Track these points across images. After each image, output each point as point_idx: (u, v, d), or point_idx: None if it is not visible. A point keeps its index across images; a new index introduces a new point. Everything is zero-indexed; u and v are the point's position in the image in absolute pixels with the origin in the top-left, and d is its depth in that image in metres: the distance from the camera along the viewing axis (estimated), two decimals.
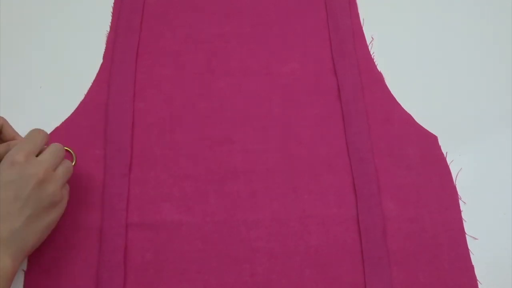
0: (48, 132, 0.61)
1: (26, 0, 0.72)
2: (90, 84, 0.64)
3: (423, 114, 0.62)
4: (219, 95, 0.64)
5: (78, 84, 0.64)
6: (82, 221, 0.56)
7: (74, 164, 0.59)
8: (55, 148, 0.52)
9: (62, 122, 0.62)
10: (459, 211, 0.57)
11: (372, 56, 0.66)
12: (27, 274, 0.54)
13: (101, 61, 0.66)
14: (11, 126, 0.56)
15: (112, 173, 0.58)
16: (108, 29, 0.68)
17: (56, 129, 0.61)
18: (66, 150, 0.59)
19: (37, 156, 0.51)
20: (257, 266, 0.55)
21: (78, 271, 0.54)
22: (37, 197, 0.48)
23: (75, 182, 0.57)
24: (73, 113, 0.62)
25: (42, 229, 0.50)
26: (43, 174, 0.49)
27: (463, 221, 0.56)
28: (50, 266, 0.54)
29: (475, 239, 0.56)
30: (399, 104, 0.63)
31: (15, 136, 0.55)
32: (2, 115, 0.56)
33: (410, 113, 0.62)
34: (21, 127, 0.59)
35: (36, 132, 0.53)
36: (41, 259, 0.55)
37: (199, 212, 0.57)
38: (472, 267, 0.54)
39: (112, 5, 0.70)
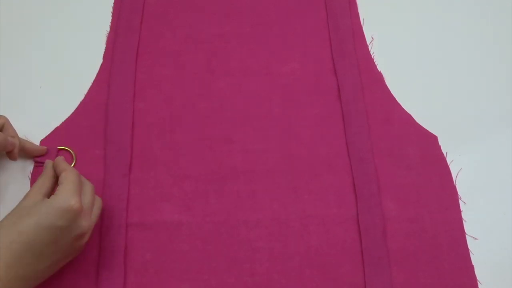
0: (48, 132, 0.61)
1: (26, 0, 0.72)
2: (90, 84, 0.64)
3: (423, 114, 0.62)
4: (219, 95, 0.64)
5: (78, 84, 0.64)
6: None
7: (74, 164, 0.59)
8: (93, 189, 0.51)
9: (62, 122, 0.62)
10: (459, 211, 0.57)
11: (372, 56, 0.66)
12: None
13: (101, 61, 0.66)
14: (11, 126, 0.56)
15: (112, 173, 0.58)
16: (108, 29, 0.68)
17: (56, 129, 0.61)
18: (66, 150, 0.59)
19: None
20: (257, 266, 0.55)
21: (78, 270, 0.54)
22: (72, 246, 0.48)
23: None
24: (73, 113, 0.62)
25: (57, 269, 0.49)
26: (89, 227, 0.49)
27: (463, 221, 0.56)
28: None
29: (475, 239, 0.56)
30: (399, 104, 0.63)
31: (14, 136, 0.56)
32: (7, 114, 0.56)
33: (410, 113, 0.62)
34: (21, 127, 0.59)
35: (74, 174, 0.50)
36: None
37: (199, 212, 0.57)
38: (472, 267, 0.54)
39: (112, 5, 0.70)
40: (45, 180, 0.50)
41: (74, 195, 0.47)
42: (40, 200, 0.47)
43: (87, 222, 0.48)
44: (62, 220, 0.46)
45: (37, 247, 0.45)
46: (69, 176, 0.49)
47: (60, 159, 0.52)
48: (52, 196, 0.47)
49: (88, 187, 0.51)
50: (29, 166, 0.59)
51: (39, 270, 0.46)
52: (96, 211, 0.51)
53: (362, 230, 0.56)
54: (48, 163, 0.52)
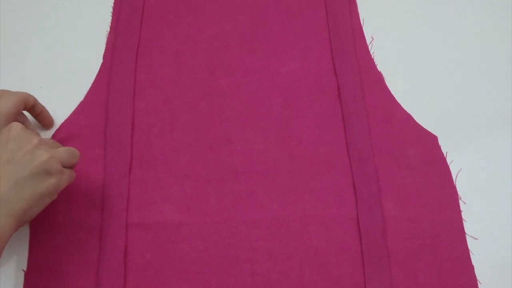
0: (47, 132, 0.61)
1: (26, 0, 0.71)
2: (90, 84, 0.64)
3: (423, 114, 0.62)
4: (219, 95, 0.64)
5: (78, 84, 0.64)
6: (82, 221, 0.56)
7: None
8: (69, 148, 0.52)
9: (62, 122, 0.62)
10: (459, 211, 0.57)
11: (372, 56, 0.66)
12: (27, 274, 0.54)
13: (101, 61, 0.66)
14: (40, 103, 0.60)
15: (112, 173, 0.58)
16: (108, 29, 0.68)
17: (57, 129, 0.61)
18: None
19: None
20: (257, 266, 0.55)
21: (78, 271, 0.54)
22: (28, 162, 0.48)
23: (75, 182, 0.57)
24: (72, 112, 0.62)
25: (33, 196, 0.48)
26: (38, 141, 0.49)
27: (463, 221, 0.56)
28: (50, 266, 0.54)
29: (475, 239, 0.56)
30: (399, 104, 0.63)
31: (42, 109, 0.60)
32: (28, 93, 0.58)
33: (410, 113, 0.62)
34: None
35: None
36: (41, 259, 0.54)
37: (199, 212, 0.57)
38: (472, 267, 0.54)
39: (112, 5, 0.70)
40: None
41: (37, 137, 0.50)
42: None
43: (39, 140, 0.50)
44: (9, 142, 0.48)
45: None
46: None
47: None
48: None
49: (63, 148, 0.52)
50: None
51: (5, 194, 0.46)
52: (63, 148, 0.51)
53: (362, 230, 0.56)
54: None
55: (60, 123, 0.62)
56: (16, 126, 0.50)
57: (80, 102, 0.63)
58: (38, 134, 0.59)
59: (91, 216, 0.56)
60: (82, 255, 0.54)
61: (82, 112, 0.62)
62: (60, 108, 0.62)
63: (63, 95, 0.64)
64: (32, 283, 0.54)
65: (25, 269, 0.54)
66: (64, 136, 0.61)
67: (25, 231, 0.56)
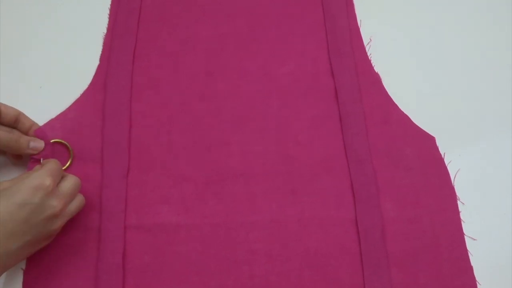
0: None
1: (23, 2, 0.71)
2: (87, 86, 0.64)
3: (421, 115, 0.62)
4: (216, 97, 0.63)
5: (78, 84, 0.64)
6: (80, 222, 0.56)
7: (71, 158, 0.59)
8: (76, 182, 0.52)
9: (59, 123, 0.61)
10: (458, 212, 0.57)
11: (369, 57, 0.66)
12: (25, 274, 0.54)
13: (97, 62, 0.65)
14: (27, 117, 0.58)
15: (110, 174, 0.58)
16: (105, 31, 0.68)
17: (52, 120, 0.61)
18: (63, 144, 0.59)
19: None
20: (256, 268, 0.54)
21: (77, 273, 0.54)
22: (43, 228, 0.48)
23: None
24: (64, 112, 0.62)
25: (28, 254, 0.50)
26: (61, 210, 0.49)
27: (462, 222, 0.56)
28: (48, 267, 0.54)
29: (474, 239, 0.56)
30: (396, 105, 0.63)
31: (32, 125, 0.57)
32: (14, 108, 0.56)
33: (407, 114, 0.62)
34: None
35: (54, 162, 0.53)
36: (40, 260, 0.54)
37: (198, 214, 0.57)
38: (471, 268, 0.54)
39: (109, 6, 0.70)
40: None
41: (47, 174, 0.49)
42: (12, 183, 0.48)
43: (60, 203, 0.49)
44: (33, 197, 0.47)
45: (8, 226, 0.46)
46: (49, 163, 0.51)
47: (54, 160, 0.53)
48: (25, 174, 0.49)
49: (71, 178, 0.52)
50: (25, 162, 0.59)
51: (11, 251, 0.46)
52: (74, 204, 0.52)
53: (360, 231, 0.56)
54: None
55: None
56: (47, 181, 0.48)
57: (75, 103, 0.62)
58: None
59: (89, 218, 0.56)
60: (81, 256, 0.54)
61: (79, 113, 0.62)
62: (60, 109, 0.62)
63: (63, 95, 0.63)
64: (31, 283, 0.54)
65: (24, 268, 0.54)
66: (61, 137, 0.60)
67: None
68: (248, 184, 0.58)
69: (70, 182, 0.52)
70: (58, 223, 0.50)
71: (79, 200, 0.53)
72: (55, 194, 0.49)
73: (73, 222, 0.56)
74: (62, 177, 0.52)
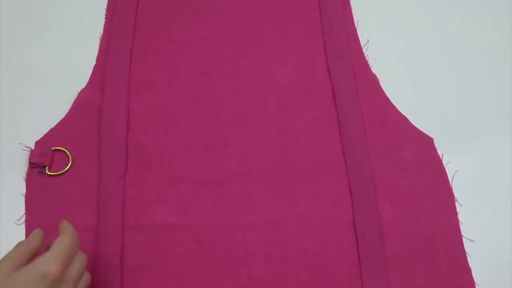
0: (44, 133, 0.60)
1: (21, 3, 0.71)
2: (84, 86, 0.63)
3: (419, 116, 0.62)
4: (214, 98, 0.63)
5: (77, 85, 0.63)
6: (78, 222, 0.55)
7: (70, 165, 0.58)
8: (84, 262, 0.47)
9: (56, 124, 0.61)
10: (456, 213, 0.57)
11: (367, 58, 0.66)
12: None
13: (94, 62, 0.65)
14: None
15: (108, 175, 0.58)
16: (101, 31, 0.68)
17: (51, 130, 0.61)
18: (62, 151, 0.59)
19: None
20: (253, 269, 0.54)
21: None
22: None
23: (71, 184, 0.57)
24: (67, 114, 0.62)
25: None
26: None
27: (460, 223, 0.56)
28: None
29: (472, 241, 0.56)
30: (394, 106, 0.63)
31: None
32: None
33: (405, 115, 0.62)
34: (21, 127, 0.59)
35: (67, 243, 0.46)
36: None
37: (195, 215, 0.57)
38: (469, 270, 0.54)
39: (106, 7, 0.70)
40: (22, 250, 0.44)
41: (56, 261, 0.43)
42: (11, 272, 0.42)
43: None
44: (39, 286, 0.42)
45: None
46: (59, 244, 0.45)
47: (65, 223, 0.49)
48: (31, 263, 0.43)
49: (79, 258, 0.47)
50: (24, 167, 0.59)
51: None
52: (81, 284, 0.47)
53: (358, 233, 0.56)
54: (37, 232, 0.47)
55: (55, 124, 0.61)
56: (54, 268, 0.43)
57: (72, 104, 0.62)
58: None
59: (87, 218, 0.56)
60: None
61: (77, 114, 0.62)
62: (60, 109, 0.62)
63: (63, 96, 0.63)
64: None
65: None
66: (58, 137, 0.60)
67: (22, 231, 0.55)
68: (246, 185, 0.58)
69: (79, 263, 0.46)
70: None
71: (85, 279, 0.48)
72: (62, 280, 0.44)
73: (71, 222, 0.55)
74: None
